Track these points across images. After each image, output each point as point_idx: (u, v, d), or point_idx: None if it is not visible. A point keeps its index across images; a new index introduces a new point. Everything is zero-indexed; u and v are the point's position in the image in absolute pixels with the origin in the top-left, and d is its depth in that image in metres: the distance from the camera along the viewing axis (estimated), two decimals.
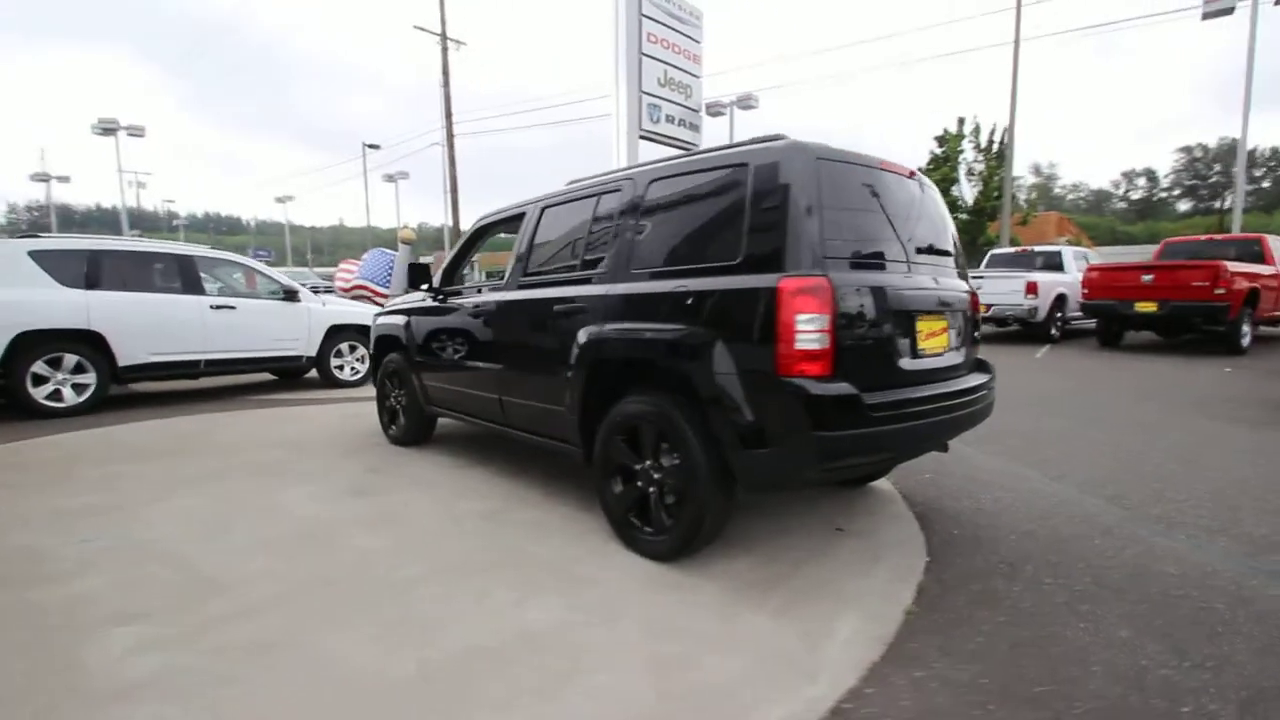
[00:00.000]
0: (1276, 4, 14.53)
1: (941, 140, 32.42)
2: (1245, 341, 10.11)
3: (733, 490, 2.57)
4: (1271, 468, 4.07)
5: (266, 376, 8.51)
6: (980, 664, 2.03)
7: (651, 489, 2.75)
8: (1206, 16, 15.24)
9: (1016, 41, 18.13)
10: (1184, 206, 66.81)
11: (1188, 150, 67.17)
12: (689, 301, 2.52)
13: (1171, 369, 8.63)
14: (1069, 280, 12.28)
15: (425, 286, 4.31)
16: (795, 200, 2.35)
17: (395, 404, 4.87)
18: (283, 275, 7.95)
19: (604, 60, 13.79)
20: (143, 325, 6.36)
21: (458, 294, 4.21)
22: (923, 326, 2.65)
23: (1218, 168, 63.32)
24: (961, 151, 31.63)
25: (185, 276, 6.75)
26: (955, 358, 2.88)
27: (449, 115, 27.58)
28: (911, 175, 2.87)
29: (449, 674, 1.95)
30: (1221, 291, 9.49)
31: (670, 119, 21.71)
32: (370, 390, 5.42)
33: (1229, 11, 15.02)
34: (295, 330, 7.54)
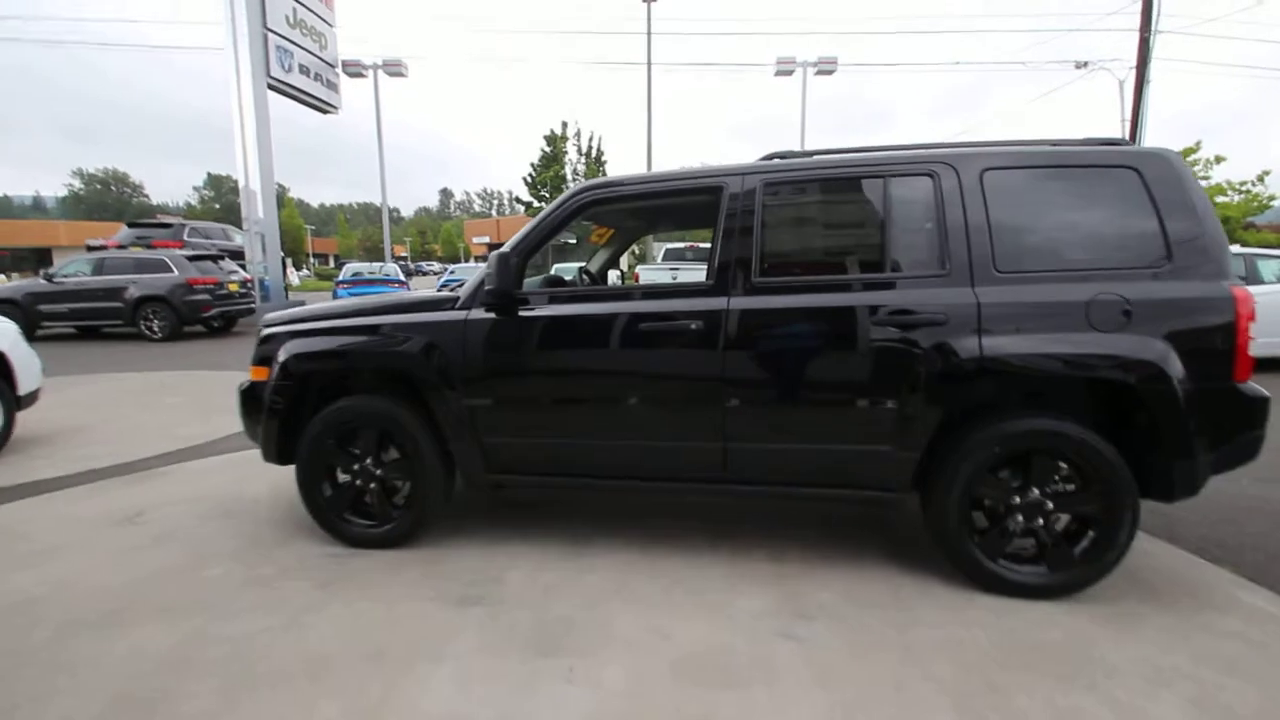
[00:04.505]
0: (818, 74, 20.52)
1: (550, 140, 35.12)
2: None
3: None
4: None
5: None
6: None
7: (1037, 523, 2.45)
8: (778, 74, 20.52)
9: (649, 63, 20.78)
10: None
11: None
12: (1124, 310, 2.31)
13: None
14: None
15: (496, 287, 2.68)
16: (1202, 205, 2.39)
17: (364, 482, 2.93)
18: None
19: None
20: None
21: (564, 300, 2.79)
22: None
23: None
24: (566, 153, 34.87)
25: None
26: None
27: None
28: None
29: None
30: None
31: (305, 70, 18.32)
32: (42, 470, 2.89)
33: (790, 73, 20.54)
34: None
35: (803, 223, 2.77)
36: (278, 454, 3.02)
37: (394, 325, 2.86)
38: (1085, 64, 22.26)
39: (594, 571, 2.69)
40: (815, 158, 2.72)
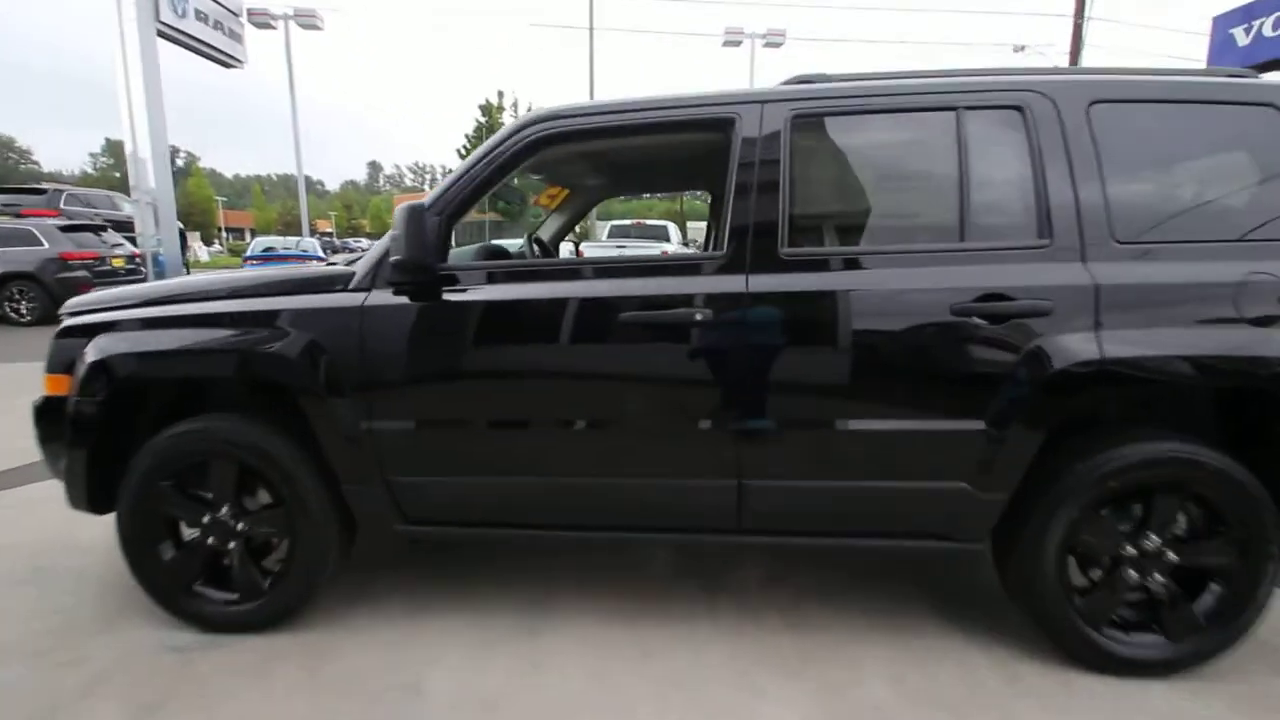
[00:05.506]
0: (766, 45, 19.89)
1: (485, 110, 33.63)
2: None
3: None
4: None
5: None
6: None
7: (1153, 578, 1.84)
8: (725, 44, 19.80)
9: (591, 28, 19.68)
10: None
11: None
12: None
13: None
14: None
15: (408, 257, 1.83)
16: None
17: (220, 540, 2.04)
18: None
19: None
20: None
21: (508, 278, 1.97)
22: None
23: None
24: (502, 124, 33.33)
25: None
26: None
27: None
28: None
29: None
30: None
31: (202, 17, 16.45)
32: None
33: (738, 44, 19.84)
34: None
35: (849, 172, 2.03)
36: (89, 498, 2.09)
37: (258, 313, 1.97)
38: (1023, 48, 22.56)
39: (554, 659, 1.93)
40: (858, 84, 1.98)
